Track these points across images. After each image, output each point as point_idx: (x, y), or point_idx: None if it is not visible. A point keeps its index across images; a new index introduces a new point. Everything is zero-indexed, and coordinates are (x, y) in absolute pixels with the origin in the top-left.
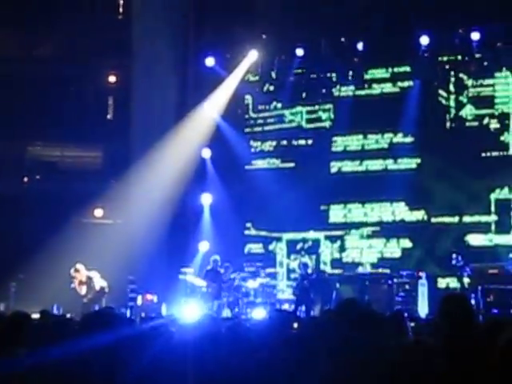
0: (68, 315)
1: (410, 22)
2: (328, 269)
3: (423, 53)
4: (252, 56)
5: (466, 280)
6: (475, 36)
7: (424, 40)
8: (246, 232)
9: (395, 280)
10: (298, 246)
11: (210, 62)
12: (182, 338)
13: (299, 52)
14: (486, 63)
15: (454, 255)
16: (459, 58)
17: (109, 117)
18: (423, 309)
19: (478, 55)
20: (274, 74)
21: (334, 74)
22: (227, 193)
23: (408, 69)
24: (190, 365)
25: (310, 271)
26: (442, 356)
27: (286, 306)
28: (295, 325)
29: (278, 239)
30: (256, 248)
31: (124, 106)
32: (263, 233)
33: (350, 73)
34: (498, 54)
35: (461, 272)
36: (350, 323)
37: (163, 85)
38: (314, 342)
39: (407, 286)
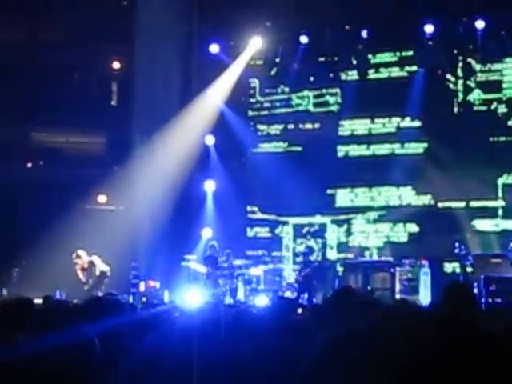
0: (75, 301)
1: (414, 10)
2: (334, 253)
3: (427, 41)
4: (256, 43)
5: (469, 269)
6: (480, 24)
7: (428, 28)
8: (252, 216)
9: (398, 268)
10: (305, 230)
11: (214, 48)
12: (185, 324)
13: (303, 39)
14: (490, 51)
15: (456, 244)
16: (465, 45)
17: (113, 103)
18: (426, 297)
19: (482, 44)
20: (278, 60)
21: (339, 59)
22: (230, 179)
23: (415, 53)
24: (194, 351)
25: (312, 258)
26: (444, 343)
27: (288, 294)
28: (299, 310)
29: (285, 223)
30: (262, 232)
31: (128, 92)
32: (269, 216)
33: (354, 62)
34: (503, 42)
35: (463, 261)
36: (348, 310)
37: (167, 71)
38: (315, 330)
39: (410, 275)
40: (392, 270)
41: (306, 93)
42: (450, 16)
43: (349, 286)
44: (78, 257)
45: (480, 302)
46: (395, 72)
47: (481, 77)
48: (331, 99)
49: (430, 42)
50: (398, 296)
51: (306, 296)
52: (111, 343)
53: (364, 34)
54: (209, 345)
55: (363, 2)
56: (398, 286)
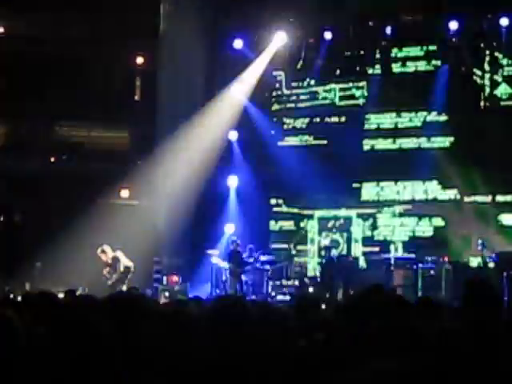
0: (98, 295)
1: (438, 7)
2: (359, 247)
3: (451, 37)
4: (280, 38)
5: (492, 265)
6: (504, 22)
7: (453, 25)
8: (277, 209)
9: (420, 265)
10: (330, 224)
11: (237, 44)
12: (206, 321)
13: (327, 35)
14: None
15: (479, 241)
16: (489, 41)
17: (136, 98)
18: (448, 294)
19: (507, 40)
20: (303, 55)
21: (364, 53)
22: (254, 175)
23: (439, 49)
24: (215, 349)
25: (335, 253)
26: (469, 340)
27: (311, 289)
28: (323, 306)
29: (310, 216)
30: (287, 225)
31: (151, 87)
32: (295, 210)
33: (379, 56)
34: None
35: (487, 257)
36: (375, 308)
37: (191, 67)
38: (341, 327)
39: (432, 272)
40: (414, 266)
41: (332, 86)
42: (474, 13)
43: (379, 284)
44: (103, 252)
45: (503, 299)
46: (421, 66)
47: (508, 71)
48: (357, 92)
49: (453, 39)
50: (420, 293)
51: (328, 292)
52: (132, 340)
53: (388, 30)
54: (231, 342)
55: None
56: (420, 283)
